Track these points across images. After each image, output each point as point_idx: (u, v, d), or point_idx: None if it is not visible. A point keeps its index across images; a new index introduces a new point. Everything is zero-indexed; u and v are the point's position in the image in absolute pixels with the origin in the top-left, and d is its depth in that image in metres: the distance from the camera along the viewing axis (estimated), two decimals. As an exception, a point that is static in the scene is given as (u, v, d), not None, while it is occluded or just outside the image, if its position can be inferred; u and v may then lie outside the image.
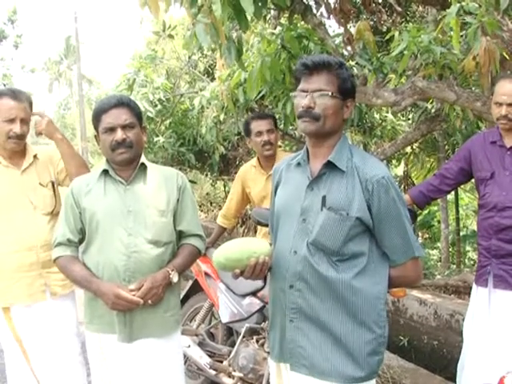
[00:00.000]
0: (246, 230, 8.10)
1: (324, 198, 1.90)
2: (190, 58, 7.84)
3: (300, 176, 2.01)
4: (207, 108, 5.87)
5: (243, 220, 8.15)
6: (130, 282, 2.31)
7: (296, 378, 1.95)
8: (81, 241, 2.47)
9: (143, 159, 2.48)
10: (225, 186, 9.72)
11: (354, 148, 2.00)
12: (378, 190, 1.86)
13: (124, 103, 2.37)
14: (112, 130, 2.35)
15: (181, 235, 2.51)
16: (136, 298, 2.27)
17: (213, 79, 7.28)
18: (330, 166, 1.93)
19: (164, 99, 6.70)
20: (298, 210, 1.96)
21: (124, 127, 2.35)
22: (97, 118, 2.40)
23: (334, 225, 1.87)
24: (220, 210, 9.78)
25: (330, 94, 1.89)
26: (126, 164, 2.41)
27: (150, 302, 2.30)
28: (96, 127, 2.42)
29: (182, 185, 2.51)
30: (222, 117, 5.63)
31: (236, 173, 8.41)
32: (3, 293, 2.82)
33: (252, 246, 1.93)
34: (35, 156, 2.93)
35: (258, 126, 3.66)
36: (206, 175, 8.55)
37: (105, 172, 2.44)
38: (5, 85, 16.38)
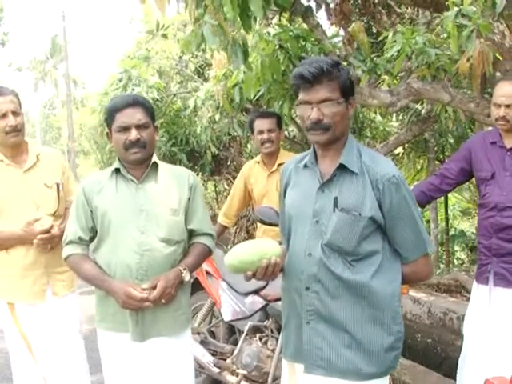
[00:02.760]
0: (237, 230, 8.12)
1: (336, 199, 1.91)
2: (180, 58, 7.85)
3: (309, 178, 2.02)
4: (201, 108, 5.89)
5: (235, 221, 8.17)
6: (142, 280, 2.32)
7: (313, 379, 1.96)
8: (91, 239, 2.47)
9: (155, 158, 2.48)
10: (215, 187, 9.75)
11: (361, 147, 2.00)
12: (389, 188, 1.88)
13: (139, 102, 2.37)
14: (126, 129, 2.34)
15: (191, 234, 2.52)
16: (146, 295, 2.27)
17: (205, 79, 7.30)
18: (341, 167, 1.93)
19: (158, 98, 6.72)
20: (310, 212, 1.97)
21: (138, 127, 2.34)
22: (110, 117, 2.38)
23: (347, 225, 1.89)
24: (210, 209, 9.78)
25: (337, 100, 1.88)
26: (139, 163, 2.41)
27: (163, 301, 2.31)
28: (109, 125, 2.41)
29: (193, 184, 2.51)
30: (217, 117, 5.65)
31: (227, 173, 8.45)
32: (8, 289, 2.85)
33: (263, 248, 1.94)
34: (38, 156, 2.93)
35: (260, 124, 3.74)
36: (198, 175, 8.57)
37: (116, 170, 2.44)
38: (-9, 83, 16.31)
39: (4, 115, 2.76)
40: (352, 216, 1.88)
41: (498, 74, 3.58)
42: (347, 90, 1.92)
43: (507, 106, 2.83)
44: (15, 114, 2.79)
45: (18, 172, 2.86)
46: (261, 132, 3.71)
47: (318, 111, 1.88)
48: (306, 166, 2.05)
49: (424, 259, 1.98)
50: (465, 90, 4.32)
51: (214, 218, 7.97)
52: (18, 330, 2.84)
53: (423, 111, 5.12)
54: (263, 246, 1.94)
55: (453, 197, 9.47)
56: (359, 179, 1.91)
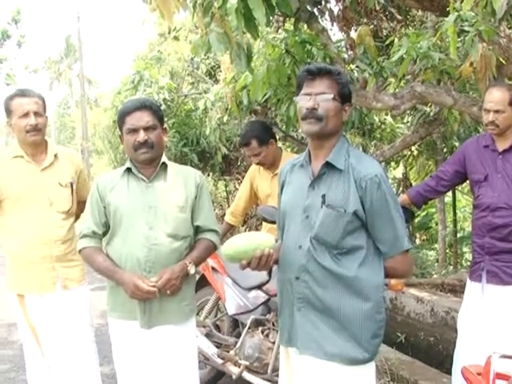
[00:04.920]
0: (247, 230, 8.23)
1: (324, 196, 2.07)
2: (192, 59, 7.97)
3: (303, 176, 2.18)
4: (211, 109, 6.01)
5: (245, 220, 8.28)
6: (150, 272, 2.48)
7: (305, 360, 2.11)
8: (104, 233, 2.62)
9: (164, 159, 2.64)
10: (226, 186, 9.86)
11: (351, 149, 2.16)
12: (371, 186, 2.03)
13: (147, 106, 2.54)
14: (135, 131, 2.51)
15: (197, 230, 2.66)
16: (152, 289, 2.42)
17: (216, 81, 7.42)
18: (328, 166, 2.09)
19: (169, 99, 6.84)
20: (301, 207, 2.13)
21: (146, 129, 2.51)
22: (121, 120, 2.56)
23: (332, 220, 2.04)
24: (221, 209, 9.86)
25: (332, 96, 2.07)
26: (148, 163, 2.57)
27: (168, 292, 2.46)
28: (120, 128, 2.59)
29: (200, 183, 2.66)
30: (225, 118, 5.77)
31: (237, 173, 8.55)
32: (18, 281, 3.00)
33: (258, 240, 2.09)
34: (56, 155, 3.08)
35: (246, 151, 3.94)
36: (208, 175, 8.69)
37: (128, 170, 2.60)
38: (8, 84, 16.55)
39: (26, 114, 2.92)
40: (337, 212, 2.03)
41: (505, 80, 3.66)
42: (344, 95, 2.12)
43: (496, 112, 2.94)
44: (37, 114, 2.94)
45: (35, 169, 3.01)
46: (249, 157, 3.93)
47: (315, 101, 2.07)
48: (301, 165, 2.22)
49: (401, 256, 2.11)
50: (469, 93, 4.39)
51: (224, 217, 8.08)
52: (26, 322, 2.98)
53: (431, 113, 5.19)
54: (258, 238, 2.10)
55: (463, 199, 9.49)
56: (345, 178, 2.07)
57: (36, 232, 2.95)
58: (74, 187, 3.09)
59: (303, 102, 2.10)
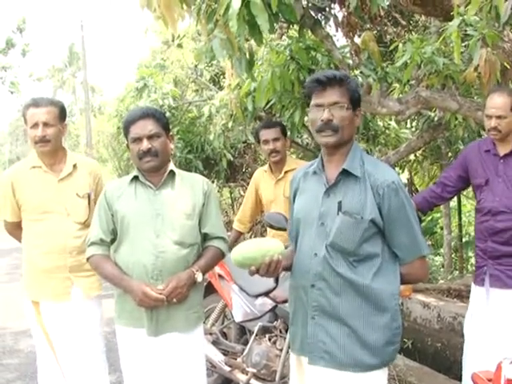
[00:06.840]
0: (253, 236, 8.21)
1: (340, 203, 2.05)
2: (196, 66, 7.99)
3: (317, 184, 2.16)
4: (215, 116, 6.02)
5: (250, 227, 8.25)
6: (157, 279, 2.47)
7: (315, 370, 2.09)
8: (112, 241, 2.62)
9: (172, 166, 2.64)
10: (231, 193, 9.85)
11: (364, 155, 2.15)
12: (389, 193, 2.01)
13: (149, 115, 2.55)
14: (138, 140, 2.53)
15: (205, 237, 2.66)
16: (161, 296, 2.42)
17: (220, 88, 7.43)
18: (344, 173, 2.07)
19: (173, 106, 6.85)
20: (316, 215, 2.11)
21: (150, 137, 2.52)
22: (126, 129, 2.58)
23: (349, 227, 2.02)
24: (226, 216, 9.85)
25: (345, 105, 2.04)
26: (153, 171, 2.58)
27: (175, 300, 2.46)
28: (126, 137, 2.60)
29: (208, 190, 2.66)
30: (230, 124, 5.77)
31: (242, 179, 8.54)
32: (33, 288, 3.01)
33: (267, 246, 2.08)
34: (75, 165, 3.08)
35: (264, 134, 3.87)
36: (213, 182, 8.68)
37: (136, 178, 2.61)
38: (12, 92, 16.64)
39: (35, 125, 2.93)
40: (354, 219, 2.02)
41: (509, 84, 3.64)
42: (355, 101, 2.09)
43: (498, 117, 2.94)
44: (47, 125, 2.94)
45: (53, 180, 3.01)
46: (266, 142, 3.85)
47: (329, 112, 2.04)
48: (314, 172, 2.20)
49: (419, 261, 2.10)
50: (474, 98, 4.38)
51: (229, 224, 8.07)
52: (40, 328, 2.98)
53: (436, 118, 5.18)
54: (266, 244, 2.09)
55: (468, 203, 9.46)
56: (361, 184, 2.05)
57: (53, 242, 2.96)
58: (92, 197, 3.08)
59: (317, 114, 2.07)
